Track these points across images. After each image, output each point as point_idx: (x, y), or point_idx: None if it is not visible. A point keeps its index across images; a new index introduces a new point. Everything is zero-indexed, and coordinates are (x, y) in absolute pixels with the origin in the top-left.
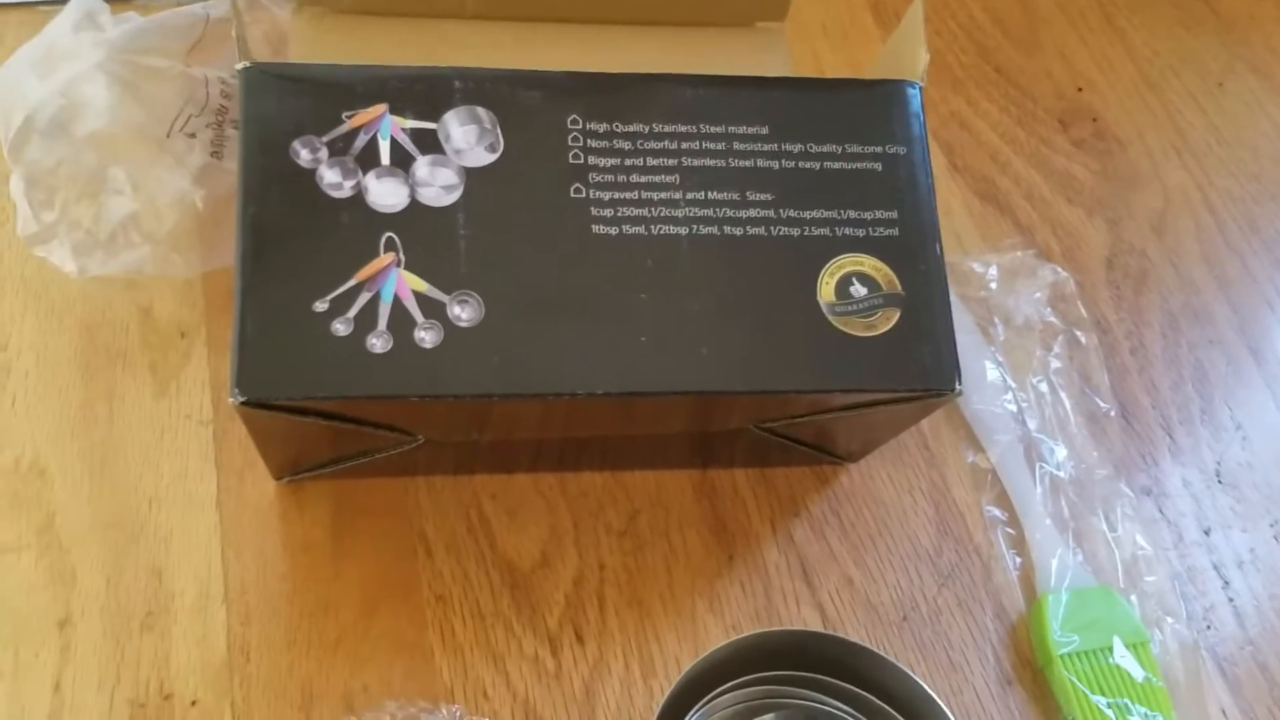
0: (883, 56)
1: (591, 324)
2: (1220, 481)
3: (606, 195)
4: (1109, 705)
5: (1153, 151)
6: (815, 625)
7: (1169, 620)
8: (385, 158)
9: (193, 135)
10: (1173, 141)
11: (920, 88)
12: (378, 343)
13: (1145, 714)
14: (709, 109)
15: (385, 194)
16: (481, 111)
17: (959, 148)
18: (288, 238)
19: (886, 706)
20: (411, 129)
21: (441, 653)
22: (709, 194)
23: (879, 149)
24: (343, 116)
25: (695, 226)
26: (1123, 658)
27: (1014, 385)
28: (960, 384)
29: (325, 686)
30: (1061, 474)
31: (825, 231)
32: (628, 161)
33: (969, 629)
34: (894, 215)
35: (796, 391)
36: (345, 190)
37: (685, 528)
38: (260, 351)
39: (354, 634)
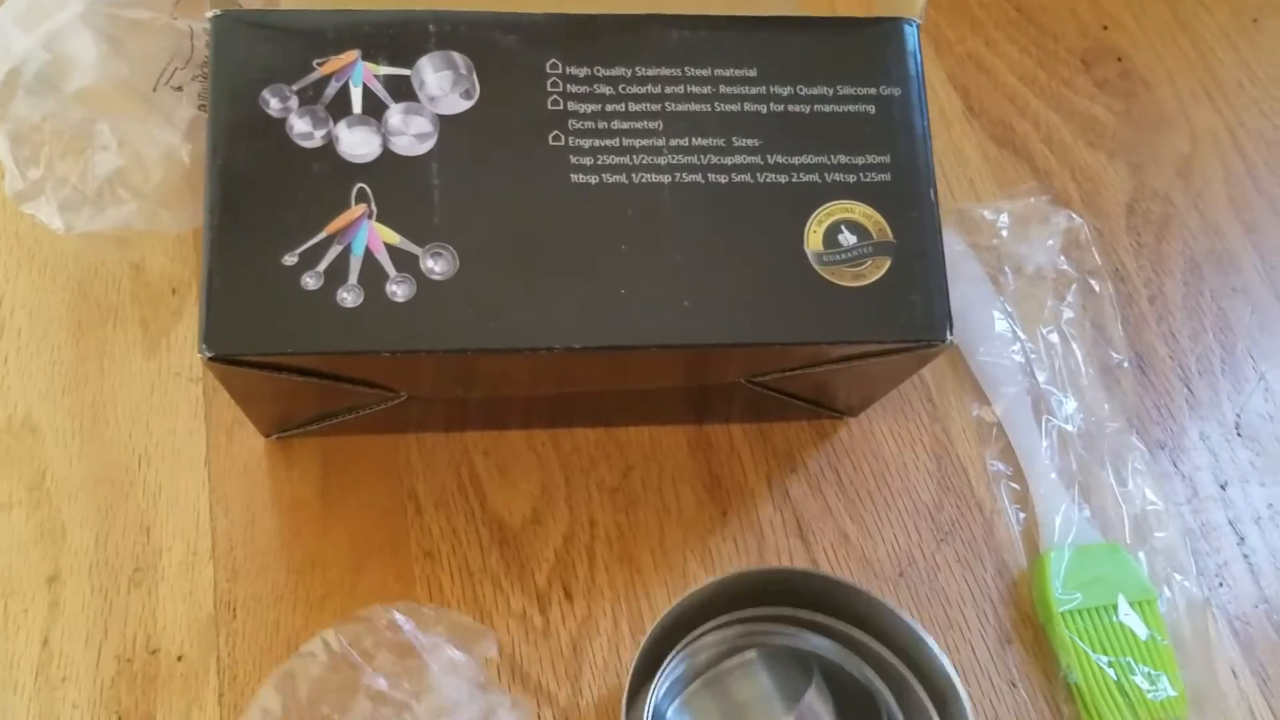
0: None
1: (569, 276)
2: (1240, 434)
3: (586, 143)
4: (1110, 664)
5: (1180, 92)
6: None
7: (1178, 578)
8: (357, 106)
9: (179, 89)
10: (1202, 81)
11: (918, 25)
12: (349, 297)
13: (1149, 673)
14: (695, 51)
15: (357, 143)
16: (457, 57)
17: (975, 90)
18: (257, 189)
19: (873, 641)
20: (384, 76)
21: None
22: (693, 140)
23: (872, 90)
24: (314, 64)
25: (679, 174)
26: (1127, 616)
27: (1023, 336)
28: (951, 334)
29: None
30: (1070, 427)
31: (814, 178)
32: (609, 107)
33: (968, 585)
34: (886, 159)
35: (781, 344)
36: (316, 140)
37: (679, 483)
38: (228, 306)
39: (341, 591)
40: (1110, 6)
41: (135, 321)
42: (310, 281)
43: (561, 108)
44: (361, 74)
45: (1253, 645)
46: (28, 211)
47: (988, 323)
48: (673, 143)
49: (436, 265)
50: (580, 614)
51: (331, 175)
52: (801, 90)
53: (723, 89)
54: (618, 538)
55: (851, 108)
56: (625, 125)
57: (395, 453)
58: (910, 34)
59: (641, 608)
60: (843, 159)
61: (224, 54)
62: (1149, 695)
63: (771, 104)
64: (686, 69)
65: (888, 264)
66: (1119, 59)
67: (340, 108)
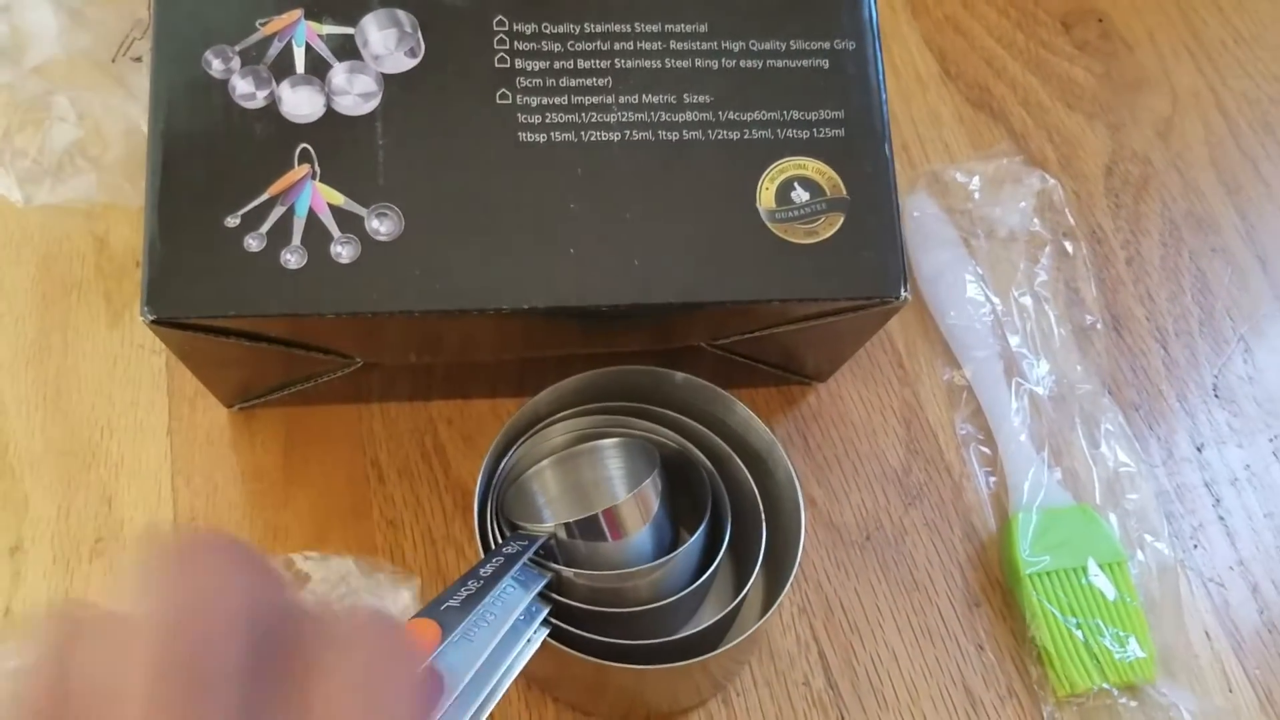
0: None
1: (517, 236)
2: (1217, 395)
3: (534, 101)
4: (1078, 626)
5: (1163, 52)
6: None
7: (1150, 539)
8: (300, 66)
9: (139, 59)
10: (1185, 41)
11: None
12: (292, 258)
13: (1118, 634)
14: (645, 6)
15: (300, 103)
16: (401, 14)
17: (952, 53)
18: (199, 151)
19: (707, 430)
20: (328, 35)
21: None
22: (643, 97)
23: (826, 44)
24: (256, 24)
25: (628, 132)
26: (1096, 578)
27: (995, 299)
28: (907, 291)
29: None
30: (1041, 390)
31: (767, 134)
32: (557, 64)
33: (936, 549)
34: (840, 115)
35: (734, 302)
36: (258, 100)
37: None
38: (170, 268)
39: None
40: None
41: (99, 294)
42: (253, 243)
43: (509, 65)
44: (304, 33)
45: (1227, 607)
46: None
47: (959, 286)
48: (622, 100)
49: (382, 226)
50: None
51: (274, 136)
52: (754, 45)
53: (673, 45)
54: None
55: (805, 62)
56: (574, 83)
57: (359, 422)
58: None
59: None
60: (796, 115)
61: (166, 15)
62: (1117, 657)
63: (723, 59)
64: (636, 25)
65: (841, 220)
66: (1099, 20)
67: (283, 68)
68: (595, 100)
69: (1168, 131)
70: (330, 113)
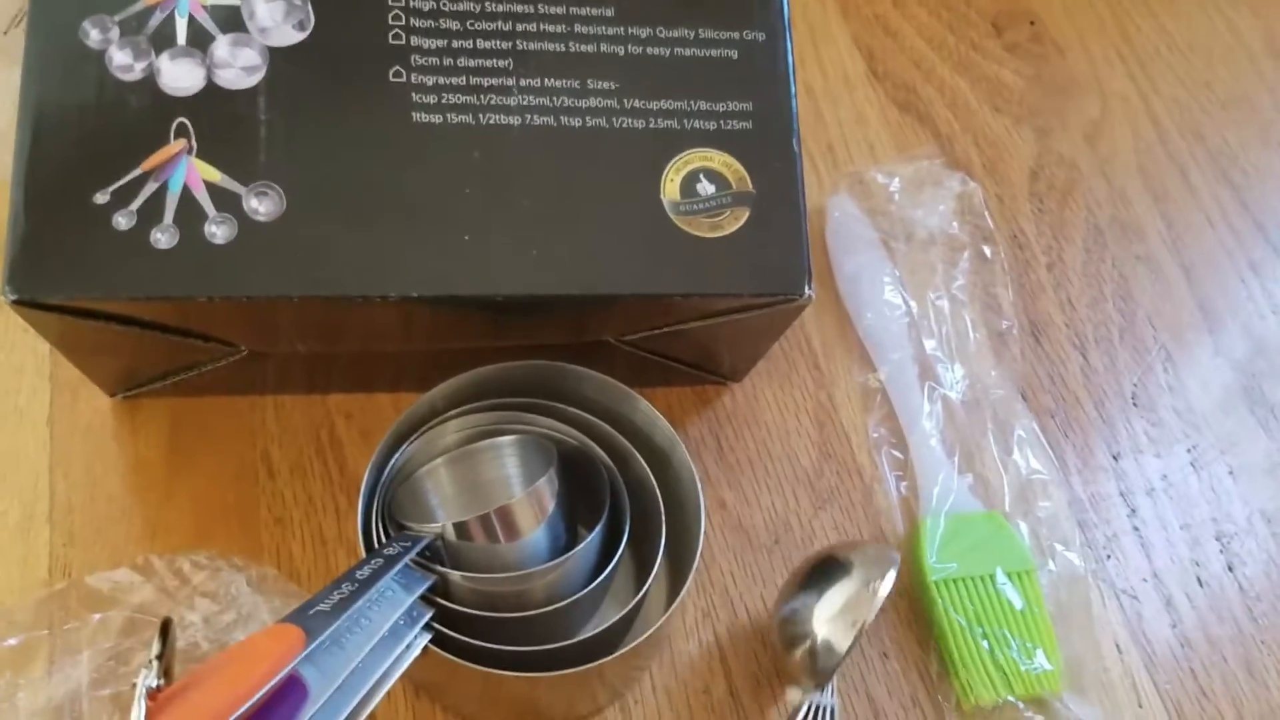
0: None
1: (408, 221)
2: (1135, 405)
3: (430, 80)
4: (984, 635)
5: (1094, 57)
6: None
7: (1061, 549)
8: (181, 37)
9: None
10: (1117, 46)
11: None
12: (162, 238)
13: (1025, 645)
14: None
15: (179, 76)
16: None
17: (880, 54)
18: (70, 124)
19: (606, 424)
20: (213, 6)
21: None
22: (546, 81)
23: (735, 35)
24: None
25: (529, 116)
26: (1004, 586)
27: (912, 302)
28: (811, 288)
29: None
30: (954, 394)
31: (672, 124)
32: (455, 43)
33: None
34: (749, 107)
35: (634, 296)
36: (136, 72)
37: None
38: (34, 246)
39: None
40: None
41: None
42: (122, 221)
43: (404, 42)
44: (188, 4)
45: (1140, 619)
46: None
47: (877, 287)
48: (523, 83)
49: (261, 205)
50: None
51: (150, 109)
52: (661, 32)
53: (578, 28)
54: None
55: (713, 52)
56: (473, 63)
57: (250, 415)
58: None
59: None
60: (703, 105)
61: None
62: (1024, 669)
63: (629, 45)
64: (539, 6)
65: (746, 215)
66: (1031, 22)
67: (164, 39)
68: (495, 82)
69: (1096, 136)
70: (211, 86)
